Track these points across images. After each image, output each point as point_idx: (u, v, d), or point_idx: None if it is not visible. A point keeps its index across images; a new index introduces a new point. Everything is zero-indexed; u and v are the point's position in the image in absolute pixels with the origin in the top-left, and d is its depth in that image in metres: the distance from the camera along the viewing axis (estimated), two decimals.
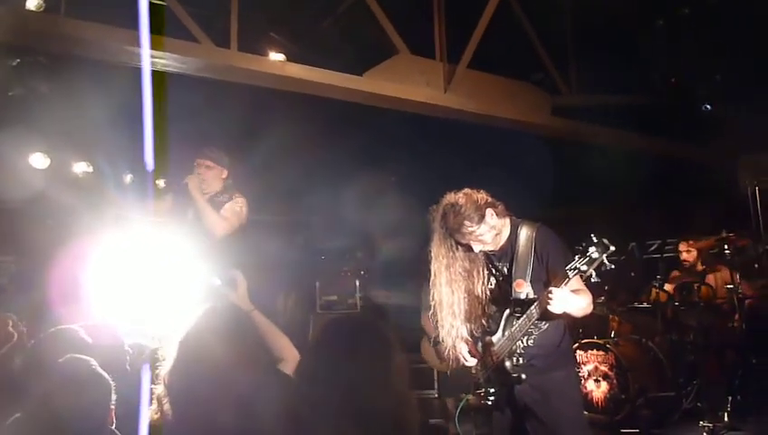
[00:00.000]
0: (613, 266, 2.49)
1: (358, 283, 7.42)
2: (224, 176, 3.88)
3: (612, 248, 2.45)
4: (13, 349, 3.02)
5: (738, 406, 4.85)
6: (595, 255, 2.44)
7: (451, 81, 5.35)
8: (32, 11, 4.01)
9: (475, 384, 2.92)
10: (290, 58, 4.86)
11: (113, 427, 2.15)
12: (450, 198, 2.78)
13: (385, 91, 5.08)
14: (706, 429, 4.63)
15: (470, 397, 2.97)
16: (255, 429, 1.91)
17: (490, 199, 2.78)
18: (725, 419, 4.74)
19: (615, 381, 5.08)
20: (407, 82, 5.20)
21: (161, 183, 3.88)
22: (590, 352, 5.22)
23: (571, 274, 2.48)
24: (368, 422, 1.68)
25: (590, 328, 5.48)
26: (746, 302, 5.15)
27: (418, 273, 6.15)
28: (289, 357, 2.49)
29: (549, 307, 2.54)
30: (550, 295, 2.53)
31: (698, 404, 5.07)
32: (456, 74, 5.36)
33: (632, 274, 6.07)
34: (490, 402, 2.78)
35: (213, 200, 3.80)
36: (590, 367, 5.18)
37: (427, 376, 6.37)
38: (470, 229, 2.71)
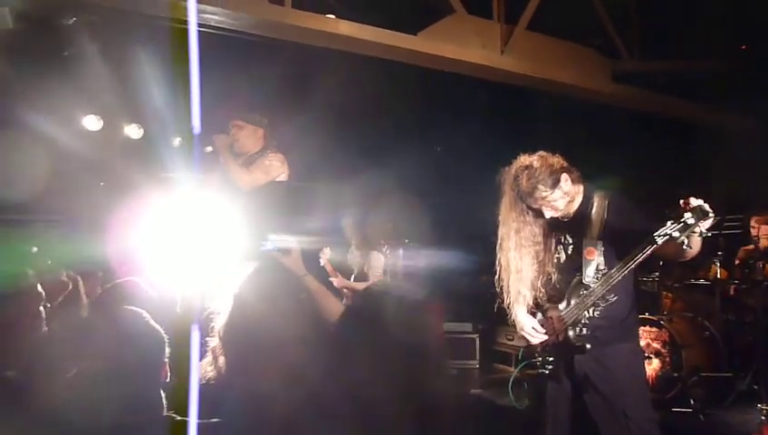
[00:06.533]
0: (710, 235, 2.33)
1: (401, 251, 7.36)
2: (259, 135, 3.78)
3: (711, 216, 2.27)
4: (68, 299, 3.07)
5: None
6: (691, 220, 2.28)
7: (508, 42, 5.17)
8: None
9: (529, 353, 2.83)
10: (340, 17, 4.75)
11: (167, 380, 2.14)
12: (524, 159, 2.67)
13: (439, 52, 4.93)
14: (764, 411, 4.45)
15: (523, 366, 2.89)
16: (307, 389, 1.89)
17: (566, 164, 2.66)
18: None
19: (668, 358, 4.93)
20: (462, 43, 5.04)
21: (209, 148, 3.84)
22: (642, 328, 5.06)
23: (659, 240, 2.34)
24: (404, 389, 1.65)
25: (641, 304, 5.31)
26: None
27: (464, 241, 6.12)
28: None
29: None
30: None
31: (755, 386, 4.88)
32: (513, 36, 5.18)
33: None
34: (547, 372, 2.69)
35: (249, 159, 3.75)
36: (641, 343, 5.01)
37: (468, 346, 6.32)
38: (543, 194, 2.60)
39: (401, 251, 7.34)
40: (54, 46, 5.18)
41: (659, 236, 2.36)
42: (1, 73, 4.98)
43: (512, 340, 6.26)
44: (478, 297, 5.85)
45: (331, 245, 5.70)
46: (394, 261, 7.15)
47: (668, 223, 2.35)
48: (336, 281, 5.36)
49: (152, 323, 2.14)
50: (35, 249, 4.10)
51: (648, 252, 2.42)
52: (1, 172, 5.47)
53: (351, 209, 6.37)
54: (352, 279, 5.58)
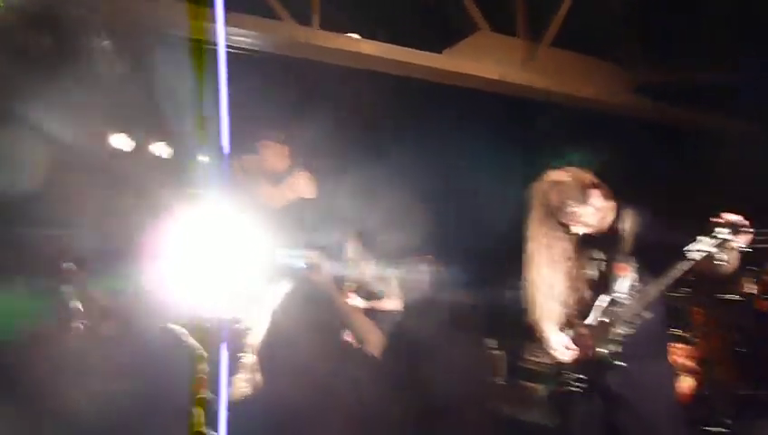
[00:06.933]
0: (751, 250, 2.31)
1: (423, 267, 7.33)
2: (285, 153, 3.86)
3: (747, 230, 2.27)
4: (102, 316, 3.15)
5: None
6: (726, 236, 2.28)
7: (532, 59, 5.20)
8: None
9: (560, 370, 2.82)
10: (366, 37, 4.83)
11: (205, 396, 2.18)
12: (554, 175, 2.68)
13: (465, 70, 4.99)
14: None
15: (554, 384, 2.87)
16: (342, 400, 1.92)
17: (596, 180, 2.66)
18: None
19: (699, 375, 4.84)
20: (487, 60, 5.09)
21: (237, 167, 3.92)
22: (672, 344, 4.96)
23: (696, 256, 2.32)
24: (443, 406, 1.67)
25: (672, 320, 5.21)
26: None
27: (489, 258, 6.08)
28: (372, 339, 2.51)
29: None
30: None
31: None
32: (537, 52, 5.21)
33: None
34: (578, 389, 2.67)
35: (277, 178, 3.82)
36: (672, 360, 4.93)
37: (496, 362, 6.27)
38: (574, 210, 2.61)
39: (423, 267, 7.33)
40: (86, 65, 5.32)
41: (696, 251, 2.34)
42: (29, 91, 5.12)
43: (540, 356, 6.20)
44: (504, 313, 5.81)
45: (350, 262, 5.71)
46: (414, 278, 7.13)
47: (704, 238, 2.34)
48: (354, 301, 5.35)
49: (188, 339, 2.19)
50: (71, 265, 4.19)
51: (685, 268, 2.41)
52: (32, 188, 5.61)
53: (371, 225, 6.39)
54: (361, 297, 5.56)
